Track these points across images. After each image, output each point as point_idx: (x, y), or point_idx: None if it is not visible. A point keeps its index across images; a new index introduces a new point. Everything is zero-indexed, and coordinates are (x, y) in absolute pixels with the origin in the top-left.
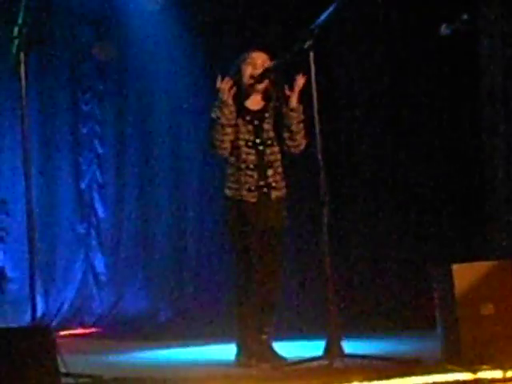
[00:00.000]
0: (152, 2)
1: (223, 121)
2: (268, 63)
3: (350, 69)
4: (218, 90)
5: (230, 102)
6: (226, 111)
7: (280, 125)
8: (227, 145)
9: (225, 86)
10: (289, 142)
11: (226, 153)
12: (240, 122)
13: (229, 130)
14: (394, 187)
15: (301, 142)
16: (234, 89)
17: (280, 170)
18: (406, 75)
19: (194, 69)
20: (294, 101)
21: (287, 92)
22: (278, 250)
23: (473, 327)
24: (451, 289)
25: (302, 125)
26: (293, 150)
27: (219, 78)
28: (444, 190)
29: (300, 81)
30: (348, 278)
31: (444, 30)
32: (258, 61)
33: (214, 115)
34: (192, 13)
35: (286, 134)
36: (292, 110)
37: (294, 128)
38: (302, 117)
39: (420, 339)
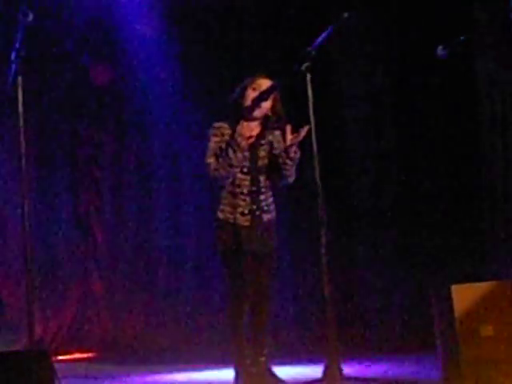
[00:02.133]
0: (149, 27)
1: (233, 162)
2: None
3: (349, 88)
4: (237, 134)
5: (246, 148)
6: (240, 156)
7: (273, 162)
8: (229, 178)
9: (245, 132)
10: (277, 181)
11: (227, 183)
12: (235, 147)
13: (236, 169)
14: (393, 207)
15: (290, 180)
16: (253, 139)
17: (270, 194)
18: (404, 96)
19: (192, 90)
20: (292, 150)
21: (288, 137)
22: (270, 273)
23: (472, 348)
24: (451, 310)
25: (294, 168)
26: (278, 184)
27: (242, 124)
28: (444, 208)
29: (302, 133)
30: (347, 299)
31: (441, 51)
32: (263, 86)
33: (225, 154)
34: (189, 34)
35: (276, 174)
36: (288, 157)
37: (286, 173)
38: (297, 162)
39: (419, 360)
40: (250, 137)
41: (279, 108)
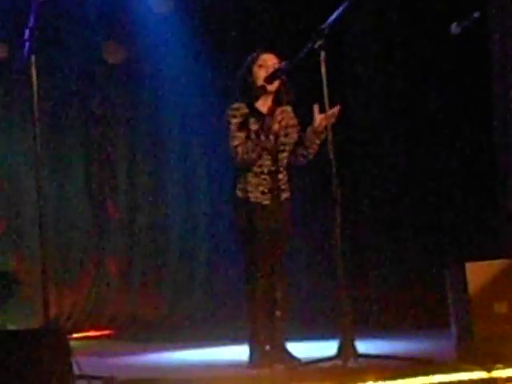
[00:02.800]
0: (162, 5)
1: (268, 145)
2: (278, 64)
3: (363, 71)
4: (268, 118)
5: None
6: (272, 137)
7: (297, 140)
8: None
9: (277, 116)
10: (300, 157)
11: (251, 166)
12: (255, 126)
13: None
14: (408, 187)
15: (310, 159)
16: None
17: (286, 172)
18: (419, 76)
19: (204, 70)
20: (321, 129)
21: (317, 117)
22: (286, 251)
23: (486, 326)
24: (465, 287)
25: (318, 146)
26: (299, 163)
27: (270, 108)
28: (459, 189)
29: (335, 110)
30: (360, 277)
31: (455, 28)
32: (269, 62)
33: (258, 139)
34: (200, 14)
35: (300, 151)
36: (317, 137)
37: (311, 151)
38: (323, 140)
39: (434, 338)
40: (282, 119)
41: (288, 83)
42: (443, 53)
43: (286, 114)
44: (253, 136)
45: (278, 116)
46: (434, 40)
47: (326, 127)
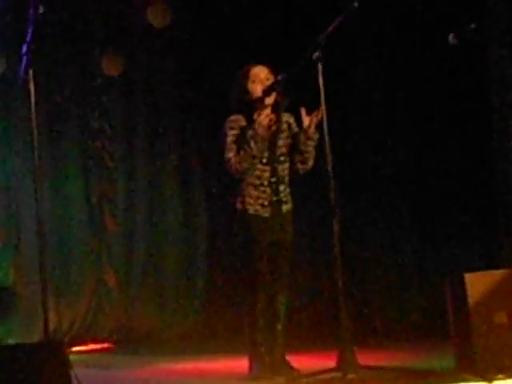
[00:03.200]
0: (158, 19)
1: (255, 153)
2: (272, 77)
3: (361, 77)
4: (257, 124)
5: (267, 138)
6: (261, 146)
7: (292, 146)
8: (251, 171)
9: (264, 121)
10: (299, 165)
11: (245, 176)
12: (253, 138)
13: (256, 159)
14: (407, 196)
15: (311, 164)
16: (274, 125)
17: (289, 184)
18: (416, 85)
19: (201, 82)
20: (311, 130)
21: (305, 119)
22: (288, 263)
23: (486, 336)
24: (464, 298)
25: (314, 149)
26: (301, 171)
27: (258, 113)
28: (458, 199)
29: (319, 115)
30: (360, 288)
31: (452, 39)
32: (262, 76)
33: (247, 146)
34: (196, 26)
35: (297, 157)
36: (308, 138)
37: (307, 155)
38: (316, 142)
39: (433, 348)
40: (270, 124)
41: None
42: (441, 62)
43: (289, 125)
44: (246, 146)
45: (266, 121)
46: (431, 50)
47: (316, 129)
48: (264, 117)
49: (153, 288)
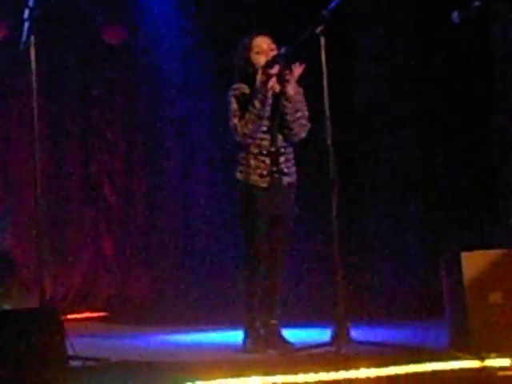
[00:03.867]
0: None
1: (262, 113)
2: (274, 47)
3: (363, 55)
4: (262, 83)
5: (270, 97)
6: (268, 107)
7: (276, 113)
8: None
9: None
10: (286, 131)
11: (253, 140)
12: None
13: (263, 120)
14: (405, 174)
15: (298, 131)
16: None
17: (291, 156)
18: (419, 63)
19: (204, 52)
20: (289, 90)
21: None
22: (286, 236)
23: (481, 315)
24: (460, 277)
25: (299, 114)
26: (291, 138)
27: (261, 71)
28: (456, 178)
29: (298, 70)
30: (356, 264)
31: (456, 17)
32: (265, 46)
33: (252, 108)
34: None
35: (282, 123)
36: (287, 99)
37: (289, 117)
38: (299, 106)
39: (428, 326)
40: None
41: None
42: (444, 41)
43: (296, 94)
44: (250, 107)
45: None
46: (435, 29)
47: (296, 87)
48: (267, 80)
49: (150, 257)
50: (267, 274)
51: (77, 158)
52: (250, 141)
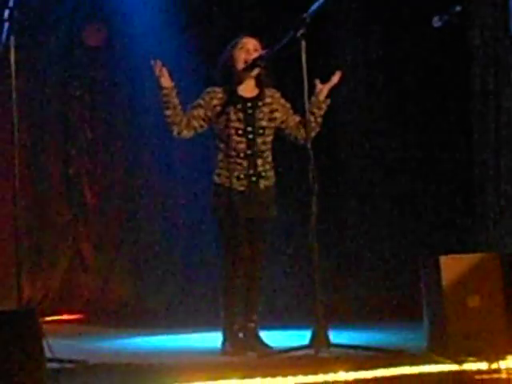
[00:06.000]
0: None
1: (169, 113)
2: (260, 50)
3: (345, 57)
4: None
5: (168, 84)
6: (173, 93)
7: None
8: (179, 120)
9: (159, 72)
10: (300, 134)
11: (180, 129)
12: (231, 109)
13: (178, 109)
14: (384, 180)
15: (314, 134)
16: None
17: (270, 159)
18: (398, 66)
19: (186, 53)
20: (323, 94)
21: (318, 85)
22: (264, 239)
23: (459, 319)
24: (438, 280)
25: (319, 119)
26: (302, 141)
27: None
28: (434, 183)
29: (335, 77)
30: (335, 267)
31: (436, 21)
32: (250, 46)
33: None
34: None
35: (302, 131)
36: (319, 102)
37: (315, 125)
38: (325, 110)
39: (406, 330)
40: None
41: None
42: (424, 46)
43: (273, 100)
44: (231, 124)
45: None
46: (415, 33)
47: (328, 96)
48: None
49: (129, 260)
50: (246, 276)
51: (56, 159)
52: (176, 129)
